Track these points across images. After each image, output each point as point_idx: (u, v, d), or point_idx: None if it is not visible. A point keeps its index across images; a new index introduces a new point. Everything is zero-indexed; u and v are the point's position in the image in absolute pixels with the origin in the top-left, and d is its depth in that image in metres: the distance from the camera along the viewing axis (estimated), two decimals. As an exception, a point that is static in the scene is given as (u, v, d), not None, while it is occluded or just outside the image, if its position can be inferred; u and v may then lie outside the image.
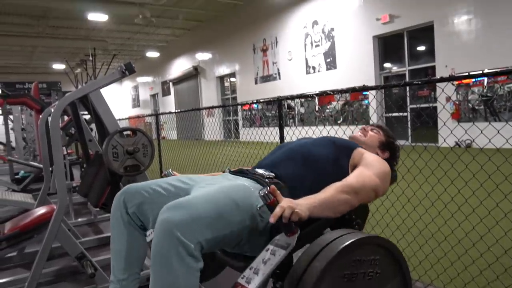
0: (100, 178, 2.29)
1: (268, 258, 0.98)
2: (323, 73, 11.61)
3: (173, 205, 1.07)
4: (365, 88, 2.33)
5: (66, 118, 5.33)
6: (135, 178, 2.14)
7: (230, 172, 1.51)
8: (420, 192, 2.59)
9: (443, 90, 2.05)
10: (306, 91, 2.74)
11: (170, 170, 1.61)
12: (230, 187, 1.23)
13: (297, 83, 12.13)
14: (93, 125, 4.14)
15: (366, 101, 10.76)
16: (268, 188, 0.96)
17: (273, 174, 1.34)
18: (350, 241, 1.02)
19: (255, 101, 3.31)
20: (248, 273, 0.97)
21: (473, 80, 8.36)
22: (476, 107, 8.37)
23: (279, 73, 13.43)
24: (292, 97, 2.82)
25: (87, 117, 4.79)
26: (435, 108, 8.33)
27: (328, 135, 1.69)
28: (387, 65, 10.25)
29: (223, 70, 16.50)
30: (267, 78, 14.06)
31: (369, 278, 1.07)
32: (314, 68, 11.93)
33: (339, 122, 11.23)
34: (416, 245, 2.46)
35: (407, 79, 9.09)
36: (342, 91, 2.46)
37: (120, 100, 26.23)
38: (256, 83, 14.60)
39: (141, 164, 2.08)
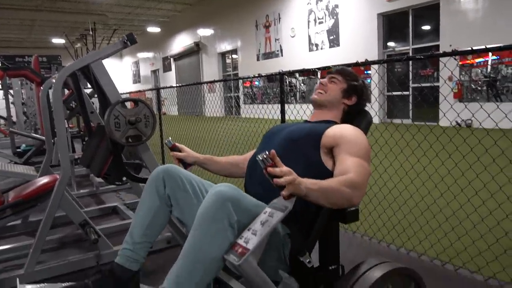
0: (102, 148, 2.32)
1: (266, 220, 1.01)
2: (326, 50, 11.50)
3: (225, 184, 1.13)
4: (368, 63, 2.34)
5: (66, 92, 5.33)
6: (137, 148, 2.17)
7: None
8: (418, 166, 2.63)
9: (445, 65, 2.06)
10: (311, 66, 2.72)
11: (170, 139, 1.64)
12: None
13: (299, 60, 12.03)
14: (94, 99, 4.15)
15: (369, 80, 10.70)
16: (268, 153, 0.97)
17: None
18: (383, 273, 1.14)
19: (257, 75, 3.30)
20: (247, 234, 1.01)
21: (477, 61, 8.31)
22: (479, 88, 8.34)
23: (281, 50, 13.30)
24: (294, 71, 2.82)
25: (89, 91, 4.80)
26: (437, 88, 8.28)
27: (290, 127, 1.49)
28: (391, 44, 10.13)
29: (225, 46, 16.33)
30: (269, 55, 13.93)
31: None
32: (317, 45, 11.81)
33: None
34: (412, 216, 2.52)
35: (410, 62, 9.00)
36: (344, 66, 2.45)
37: (121, 76, 26.08)
38: (258, 59, 14.48)
39: (143, 135, 2.10)
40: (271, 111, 3.91)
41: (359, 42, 10.34)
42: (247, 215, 1.10)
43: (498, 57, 7.97)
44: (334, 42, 11.22)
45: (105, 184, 3.86)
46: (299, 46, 12.43)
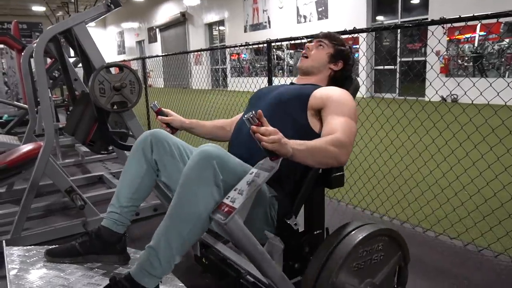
0: (87, 115, 2.29)
1: (252, 180, 1.02)
2: (314, 22, 11.35)
3: (211, 144, 1.13)
4: (356, 31, 2.32)
5: (49, 61, 5.18)
6: (122, 115, 2.15)
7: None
8: (403, 136, 2.67)
9: (432, 33, 2.06)
10: (296, 41, 2.69)
11: (155, 103, 1.61)
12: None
13: (287, 32, 11.83)
14: (77, 69, 4.06)
15: (357, 55, 10.66)
16: (254, 113, 0.96)
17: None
18: (360, 238, 1.13)
19: (244, 44, 3.25)
20: (233, 194, 1.02)
21: (464, 36, 8.33)
22: (465, 64, 8.39)
23: (269, 22, 13.09)
24: (282, 40, 2.78)
25: (72, 60, 4.67)
26: (424, 63, 8.29)
27: (278, 89, 1.47)
28: (379, 17, 10.06)
29: (212, 17, 15.98)
30: (256, 27, 13.70)
31: (375, 262, 1.18)
32: (305, 17, 11.64)
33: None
34: (396, 185, 2.57)
35: (398, 31, 8.97)
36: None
37: (105, 46, 25.39)
38: (245, 31, 14.24)
39: (128, 101, 2.07)
40: (258, 84, 3.88)
41: (347, 15, 10.22)
42: (232, 175, 1.10)
43: (486, 33, 8.00)
44: (322, 14, 11.07)
45: (91, 154, 3.82)
46: (287, 17, 12.23)
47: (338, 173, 1.41)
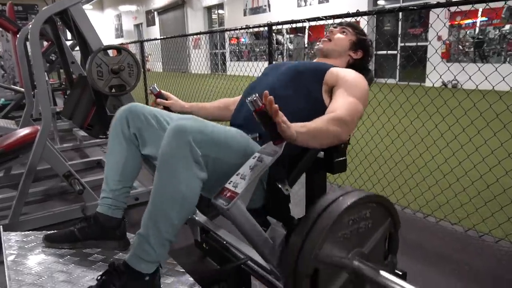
0: (84, 99, 2.25)
1: (255, 164, 0.99)
2: (314, 6, 11.19)
3: (188, 117, 1.08)
4: (359, 14, 2.28)
5: (45, 44, 5.10)
6: (121, 99, 2.11)
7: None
8: (406, 122, 2.64)
9: (438, 16, 2.01)
10: (299, 25, 2.64)
11: (155, 86, 1.57)
12: (243, 134, 1.22)
13: (287, 16, 11.67)
14: (74, 52, 4.00)
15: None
16: (257, 95, 0.92)
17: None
18: (345, 206, 1.02)
19: (244, 27, 3.19)
20: (235, 179, 0.99)
21: (466, 22, 8.23)
22: (467, 50, 8.32)
23: (269, 5, 12.90)
24: (283, 23, 2.73)
25: (69, 43, 4.60)
26: (426, 48, 8.21)
27: (294, 62, 1.50)
28: (380, 2, 9.91)
29: (211, 0, 15.74)
30: (256, 10, 13.51)
31: (363, 230, 1.10)
32: (305, 0, 11.47)
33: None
34: (397, 171, 2.56)
35: (400, 16, 8.86)
36: (334, 16, 2.37)
37: (102, 30, 25.07)
38: (245, 15, 14.05)
39: (127, 84, 2.03)
40: (258, 68, 3.81)
41: (349, -1, 10.07)
42: (214, 147, 1.06)
43: (487, 18, 7.91)
44: (323, -3, 10.91)
45: (89, 138, 3.79)
46: (287, 1, 12.05)
47: (341, 158, 1.39)
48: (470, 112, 2.25)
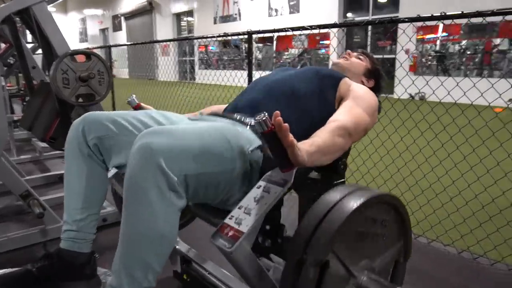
0: (47, 108, 2.01)
1: (262, 196, 0.83)
2: (285, 16, 11.23)
3: (154, 131, 0.89)
4: (328, 25, 2.29)
5: (3, 46, 4.73)
6: (89, 109, 1.89)
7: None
8: (391, 141, 2.56)
9: (404, 31, 2.03)
10: (268, 34, 2.57)
11: (134, 97, 1.39)
12: (216, 124, 1.06)
13: (258, 25, 11.64)
14: (35, 56, 3.70)
15: (323, 50, 10.69)
16: (266, 114, 0.77)
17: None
18: (364, 199, 0.85)
19: (221, 34, 3.04)
20: (238, 213, 0.82)
21: (427, 37, 8.49)
22: (429, 63, 8.59)
23: (239, 14, 12.84)
24: (264, 31, 2.60)
25: (30, 46, 4.28)
26: (394, 60, 8.36)
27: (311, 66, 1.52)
28: (350, 14, 10.08)
29: (180, 7, 15.50)
30: (226, 19, 13.41)
31: (376, 240, 0.96)
32: (276, 10, 11.49)
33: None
34: (387, 189, 2.47)
35: (369, 28, 9.01)
36: (320, 26, 2.28)
37: (66, 33, 24.00)
38: (215, 23, 13.91)
39: (96, 94, 1.82)
40: (227, 77, 3.70)
41: (319, 11, 10.16)
42: (194, 163, 0.88)
43: (447, 34, 8.19)
44: (294, 8, 10.96)
45: (50, 149, 3.48)
46: (258, 10, 12.03)
47: (340, 180, 1.25)
48: (453, 126, 2.21)
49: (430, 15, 1.88)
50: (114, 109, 5.03)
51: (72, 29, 25.17)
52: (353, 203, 0.84)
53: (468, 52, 8.11)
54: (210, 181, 0.93)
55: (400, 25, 2.24)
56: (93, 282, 1.22)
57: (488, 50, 7.90)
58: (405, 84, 2.94)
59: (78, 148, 1.16)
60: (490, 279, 1.69)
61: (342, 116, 1.12)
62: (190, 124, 1.17)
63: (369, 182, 2.52)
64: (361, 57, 1.52)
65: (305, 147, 0.86)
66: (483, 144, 2.14)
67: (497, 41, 7.72)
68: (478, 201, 2.06)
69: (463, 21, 1.79)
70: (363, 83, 1.45)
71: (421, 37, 8.54)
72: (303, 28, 2.37)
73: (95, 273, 1.23)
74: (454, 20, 1.80)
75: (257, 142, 1.04)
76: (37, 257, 1.21)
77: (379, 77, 1.52)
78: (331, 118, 1.13)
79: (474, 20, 1.75)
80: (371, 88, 1.43)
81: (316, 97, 1.25)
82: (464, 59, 8.17)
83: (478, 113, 2.17)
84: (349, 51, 1.54)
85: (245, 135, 1.03)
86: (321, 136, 0.98)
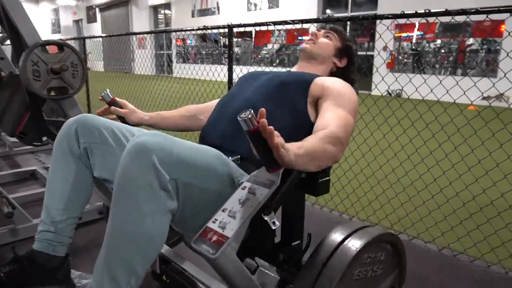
0: (16, 102, 1.91)
1: (247, 198, 0.78)
2: (264, 11, 11.17)
3: (150, 133, 0.86)
4: (307, 21, 2.29)
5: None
6: (62, 103, 1.80)
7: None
8: (374, 138, 2.56)
9: (388, 28, 1.96)
10: (247, 29, 2.52)
11: (108, 92, 1.31)
12: (207, 147, 1.02)
13: (237, 19, 11.52)
14: (4, 46, 3.55)
15: (301, 46, 10.70)
16: (251, 111, 0.72)
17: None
18: (366, 242, 0.89)
19: (201, 27, 2.96)
20: (222, 216, 0.77)
21: (403, 35, 8.62)
22: (406, 60, 8.73)
23: (218, 8, 12.69)
24: (245, 25, 2.54)
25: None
26: (372, 57, 8.44)
27: (275, 72, 1.35)
28: (329, 11, 10.13)
29: (158, -1, 15.23)
30: (205, 12, 13.24)
31: (374, 275, 0.98)
32: (255, 5, 11.42)
33: (274, 64, 11.13)
34: (368, 186, 2.46)
35: (348, 24, 9.05)
36: (303, 21, 2.25)
37: (37, 24, 23.26)
38: (193, 16, 13.72)
39: (70, 87, 1.74)
40: (206, 72, 3.62)
41: (298, 6, 10.16)
42: (187, 170, 0.86)
43: (423, 32, 8.34)
44: (273, 2, 10.92)
45: (21, 144, 3.34)
46: (237, 4, 11.93)
47: (325, 178, 1.22)
48: (436, 124, 2.22)
49: (414, 11, 1.86)
50: (89, 103, 4.88)
51: (44, 20, 24.35)
52: (355, 247, 0.88)
53: (443, 51, 8.29)
54: (198, 197, 0.90)
55: (384, 21, 2.21)
56: (66, 286, 1.15)
57: (462, 50, 8.09)
58: (384, 81, 2.94)
59: (68, 148, 1.10)
60: (470, 276, 1.70)
61: (329, 121, 1.05)
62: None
63: (350, 179, 2.51)
64: (329, 35, 1.38)
65: (293, 148, 0.82)
66: (465, 142, 2.15)
67: (470, 40, 7.92)
68: (459, 199, 2.08)
69: (447, 19, 1.79)
70: (335, 65, 1.37)
71: (398, 35, 8.65)
72: (285, 22, 2.33)
73: (68, 278, 1.16)
74: (429, 18, 1.79)
75: (247, 177, 1.00)
76: (6, 260, 1.13)
77: (352, 55, 1.39)
78: (317, 124, 1.07)
79: (443, 19, 1.76)
80: (345, 67, 1.38)
81: (286, 112, 1.16)
82: (438, 58, 8.34)
83: (460, 111, 2.17)
84: (315, 31, 1.41)
85: (233, 164, 1.00)
86: (311, 141, 0.93)
